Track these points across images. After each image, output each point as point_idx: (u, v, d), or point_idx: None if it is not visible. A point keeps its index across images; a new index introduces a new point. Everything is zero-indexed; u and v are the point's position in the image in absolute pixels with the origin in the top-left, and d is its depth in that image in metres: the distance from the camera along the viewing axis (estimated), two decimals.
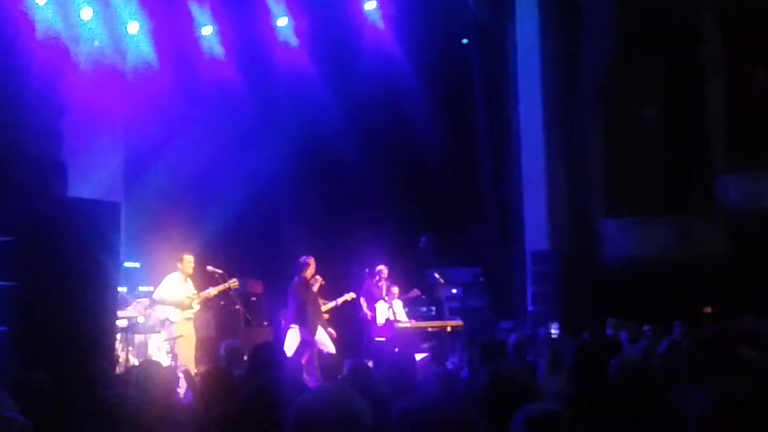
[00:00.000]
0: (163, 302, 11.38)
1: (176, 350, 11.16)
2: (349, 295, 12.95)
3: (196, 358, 11.54)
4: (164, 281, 11.48)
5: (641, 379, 4.91)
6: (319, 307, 12.44)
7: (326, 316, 12.62)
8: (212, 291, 11.71)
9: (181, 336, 11.22)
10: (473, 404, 4.19)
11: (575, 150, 13.91)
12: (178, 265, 11.48)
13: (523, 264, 13.78)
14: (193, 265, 11.57)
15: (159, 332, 12.20)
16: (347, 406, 2.98)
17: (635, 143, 14.04)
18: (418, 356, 9.68)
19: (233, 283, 11.86)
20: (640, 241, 13.63)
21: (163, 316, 11.47)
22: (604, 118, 14.16)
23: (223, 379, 5.96)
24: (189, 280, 11.56)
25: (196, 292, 11.53)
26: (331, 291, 12.98)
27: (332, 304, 12.85)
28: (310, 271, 12.29)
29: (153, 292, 11.99)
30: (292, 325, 12.04)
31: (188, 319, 11.40)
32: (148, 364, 7.23)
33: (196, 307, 11.55)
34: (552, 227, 13.65)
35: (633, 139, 14.09)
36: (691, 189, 13.66)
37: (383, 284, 13.20)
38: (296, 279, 12.36)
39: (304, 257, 12.42)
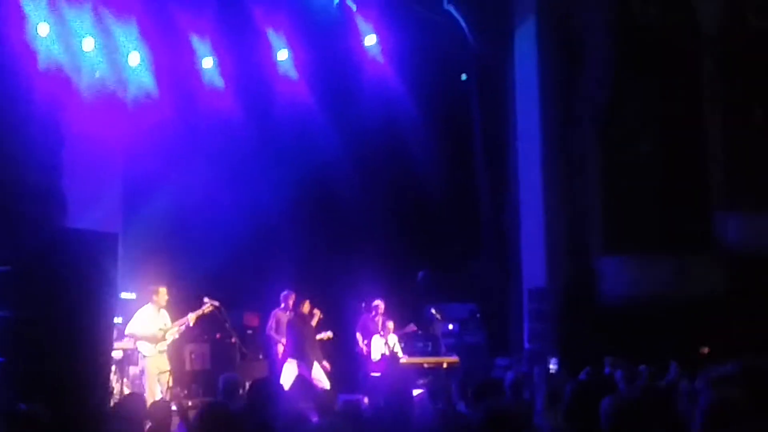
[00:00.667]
0: (133, 336, 11.26)
1: (146, 384, 11.04)
2: (326, 335, 12.91)
3: (191, 390, 11.48)
4: (136, 315, 11.37)
5: (631, 421, 4.89)
6: (315, 341, 12.44)
7: None
8: (191, 317, 11.60)
9: (162, 371, 11.10)
10: None
11: (573, 186, 13.92)
12: (153, 297, 11.42)
13: (520, 301, 13.73)
14: (167, 297, 11.49)
15: None
16: None
17: (633, 180, 14.03)
18: (415, 392, 9.63)
19: (207, 307, 11.72)
20: (637, 279, 13.58)
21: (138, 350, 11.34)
22: (603, 154, 14.16)
23: (219, 414, 5.92)
24: (163, 311, 11.48)
25: (169, 323, 11.43)
26: (328, 325, 12.97)
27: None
28: (306, 305, 12.33)
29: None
30: (289, 359, 12.03)
31: (161, 352, 11.28)
32: (136, 397, 7.19)
33: (171, 338, 11.43)
34: (549, 264, 13.61)
35: (631, 175, 14.09)
36: (689, 227, 13.64)
37: (379, 319, 13.20)
38: (285, 313, 12.49)
39: (285, 291, 12.60)
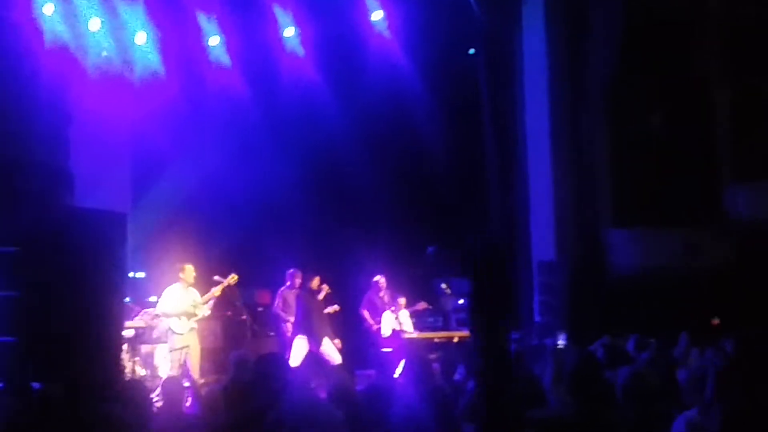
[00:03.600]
0: (166, 315, 11.37)
1: (182, 361, 11.16)
2: (332, 308, 12.94)
3: (202, 368, 11.54)
4: (165, 293, 11.46)
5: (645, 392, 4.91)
6: (325, 317, 12.47)
7: None
8: (215, 291, 11.69)
9: (186, 347, 11.21)
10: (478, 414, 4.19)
11: (582, 159, 13.88)
12: (180, 275, 11.49)
13: (530, 274, 13.74)
14: (194, 274, 11.58)
15: (165, 342, 12.20)
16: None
17: (642, 153, 14.00)
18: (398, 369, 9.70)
19: (232, 278, 11.83)
20: (647, 252, 13.58)
21: (167, 327, 11.47)
22: (611, 127, 14.12)
23: (229, 390, 5.96)
24: (192, 288, 11.56)
25: (199, 299, 11.53)
26: (336, 301, 13.00)
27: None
28: (316, 281, 12.36)
29: (157, 301, 12.01)
30: (299, 335, 12.06)
31: (192, 329, 11.40)
32: (137, 381, 7.22)
33: (206, 312, 11.54)
34: (558, 237, 13.60)
35: (640, 148, 14.05)
36: (699, 199, 13.61)
37: (384, 294, 13.21)
38: (291, 291, 12.53)
39: (291, 269, 12.62)
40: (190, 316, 11.38)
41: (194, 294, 11.54)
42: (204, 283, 11.81)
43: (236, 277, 11.88)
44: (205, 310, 11.58)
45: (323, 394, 6.74)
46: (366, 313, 13.33)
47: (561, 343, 10.78)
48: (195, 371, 11.04)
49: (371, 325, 13.23)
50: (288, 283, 13.00)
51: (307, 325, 12.05)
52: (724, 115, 13.66)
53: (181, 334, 11.28)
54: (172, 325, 11.33)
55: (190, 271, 11.52)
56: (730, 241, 13.11)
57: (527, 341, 11.69)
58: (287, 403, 5.09)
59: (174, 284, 11.50)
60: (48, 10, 12.01)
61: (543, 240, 13.69)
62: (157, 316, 11.86)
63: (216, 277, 11.84)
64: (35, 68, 9.09)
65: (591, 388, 4.91)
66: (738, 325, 10.73)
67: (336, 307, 12.96)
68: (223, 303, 12.13)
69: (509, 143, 14.30)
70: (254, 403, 5.04)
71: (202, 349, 11.64)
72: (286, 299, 12.95)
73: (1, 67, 8.47)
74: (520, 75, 14.20)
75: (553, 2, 13.97)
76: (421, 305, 13.69)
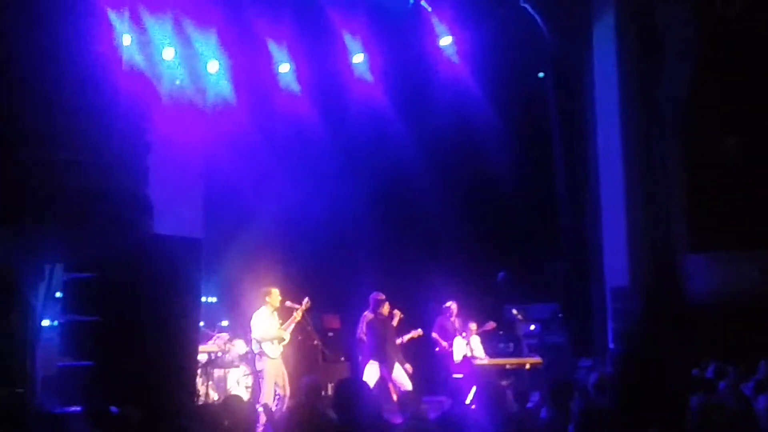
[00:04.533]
0: (264, 340, 11.41)
1: (264, 385, 11.22)
2: (416, 332, 12.88)
3: (276, 392, 11.58)
4: (256, 317, 11.52)
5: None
6: (395, 343, 12.43)
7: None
8: (297, 315, 11.75)
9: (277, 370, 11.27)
10: None
11: (656, 183, 13.66)
12: (267, 299, 11.57)
13: (603, 300, 13.53)
14: (279, 298, 11.66)
15: (238, 366, 12.31)
16: None
17: (718, 176, 13.74)
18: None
19: (306, 303, 11.89)
20: (723, 277, 13.28)
21: (256, 351, 11.50)
22: (685, 149, 13.89)
23: (306, 415, 5.95)
24: (275, 313, 11.64)
25: (281, 323, 11.61)
26: (407, 327, 12.95)
27: (398, 340, 12.81)
28: (386, 307, 12.30)
29: (229, 326, 12.09)
30: (371, 361, 12.04)
31: (281, 353, 11.48)
32: (229, 399, 7.27)
33: (288, 337, 11.61)
34: (632, 263, 13.38)
35: (715, 170, 13.80)
36: None
37: (455, 320, 13.12)
38: (371, 315, 12.41)
39: (374, 293, 12.52)
40: (280, 340, 11.45)
41: (277, 319, 11.62)
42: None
43: (309, 301, 11.93)
44: (287, 335, 11.64)
45: (396, 420, 6.71)
46: (437, 337, 13.23)
47: None
48: (283, 392, 11.06)
49: (443, 349, 13.12)
50: (371, 307, 12.80)
51: (378, 351, 12.03)
52: None
53: (275, 359, 11.35)
54: (266, 349, 11.37)
55: (276, 295, 11.62)
56: None
57: (600, 368, 11.48)
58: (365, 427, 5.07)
59: (261, 308, 11.58)
60: (126, 40, 12.29)
61: (616, 266, 13.47)
62: (230, 340, 11.96)
63: (288, 303, 11.90)
64: (116, 97, 9.28)
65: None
66: None
67: (419, 332, 12.92)
68: (294, 328, 12.17)
69: (580, 167, 14.14)
70: (334, 427, 5.03)
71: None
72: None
73: (87, 98, 8.67)
74: (591, 97, 14.05)
75: (625, 23, 13.82)
76: (490, 325, 13.58)
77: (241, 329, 12.59)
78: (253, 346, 11.66)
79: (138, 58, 12.30)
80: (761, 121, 13.63)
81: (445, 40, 14.63)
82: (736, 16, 13.53)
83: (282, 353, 11.60)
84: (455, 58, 14.70)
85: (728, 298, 12.95)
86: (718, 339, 11.46)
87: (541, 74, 14.90)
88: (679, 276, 13.37)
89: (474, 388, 9.91)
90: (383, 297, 12.42)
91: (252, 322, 11.52)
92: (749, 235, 13.36)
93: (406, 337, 12.89)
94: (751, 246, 13.28)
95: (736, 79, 13.65)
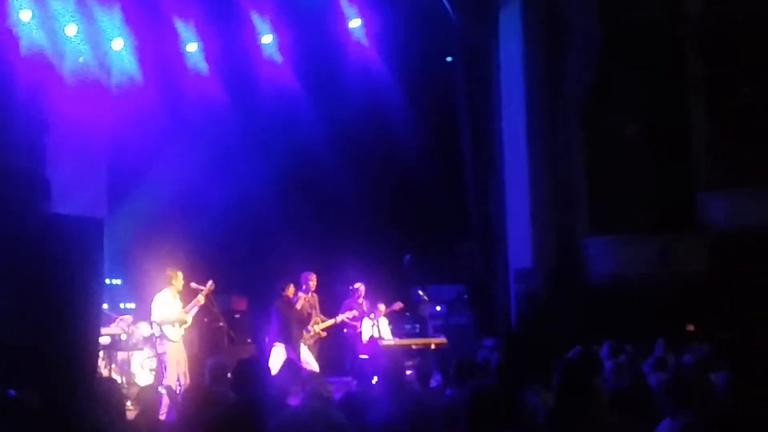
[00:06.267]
0: (164, 323, 11.26)
1: (168, 368, 11.09)
2: (351, 313, 12.95)
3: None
4: (157, 300, 11.36)
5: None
6: (303, 325, 12.44)
7: (324, 333, 12.67)
8: (200, 298, 11.64)
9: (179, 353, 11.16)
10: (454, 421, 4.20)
11: (559, 167, 13.94)
12: (172, 282, 11.41)
13: (507, 281, 13.78)
14: (183, 281, 11.53)
15: (142, 349, 12.15)
16: (330, 422, 2.99)
17: (618, 160, 14.09)
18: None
19: (210, 285, 11.78)
20: (622, 259, 13.65)
21: (158, 334, 11.36)
22: (588, 134, 14.19)
23: (204, 397, 5.95)
24: (178, 295, 11.51)
25: (182, 306, 11.49)
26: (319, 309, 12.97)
27: (331, 321, 12.86)
28: (291, 289, 12.30)
29: (134, 309, 11.90)
30: (277, 343, 12.05)
31: (182, 336, 11.35)
32: (107, 381, 7.20)
33: (190, 320, 11.49)
34: (535, 245, 13.65)
35: (616, 156, 14.13)
36: (674, 207, 13.72)
37: (362, 301, 13.21)
38: (304, 295, 12.38)
39: (306, 273, 12.46)
40: (182, 323, 11.32)
41: (179, 302, 11.49)
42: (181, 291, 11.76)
43: (213, 284, 11.84)
44: (189, 318, 11.53)
45: (298, 402, 6.74)
46: (346, 318, 13.27)
47: None
48: (184, 379, 10.95)
49: (351, 330, 13.19)
50: (303, 287, 12.71)
51: (284, 333, 12.04)
52: (699, 122, 13.78)
53: (176, 342, 11.21)
54: (167, 332, 11.23)
55: (180, 278, 11.47)
56: (705, 248, 13.22)
57: (502, 349, 11.69)
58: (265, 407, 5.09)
59: (164, 290, 11.42)
60: (25, 16, 11.96)
61: (520, 247, 13.72)
62: (134, 322, 11.80)
63: (193, 285, 11.78)
64: (12, 75, 9.04)
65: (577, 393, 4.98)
66: (712, 330, 10.86)
67: (400, 305, 13.20)
68: (199, 310, 12.08)
69: (486, 151, 14.33)
70: (232, 407, 5.03)
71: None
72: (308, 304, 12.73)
73: None
74: (498, 82, 14.23)
75: (531, 10, 14.02)
76: (398, 305, 13.73)
77: (145, 312, 12.41)
78: (154, 329, 11.52)
79: (39, 35, 11.98)
80: (660, 107, 14.03)
81: (355, 23, 14.65)
82: (637, 4, 13.89)
83: (185, 336, 11.47)
84: (364, 41, 14.74)
85: (627, 279, 13.34)
86: (616, 319, 11.77)
87: (449, 58, 15.04)
88: (580, 258, 13.70)
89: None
90: (313, 276, 12.44)
91: (152, 305, 11.37)
92: (647, 219, 13.77)
93: (340, 318, 12.94)
94: (649, 230, 13.68)
95: (636, 67, 14.03)
